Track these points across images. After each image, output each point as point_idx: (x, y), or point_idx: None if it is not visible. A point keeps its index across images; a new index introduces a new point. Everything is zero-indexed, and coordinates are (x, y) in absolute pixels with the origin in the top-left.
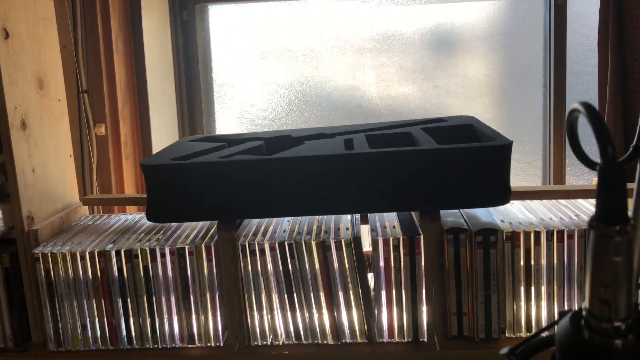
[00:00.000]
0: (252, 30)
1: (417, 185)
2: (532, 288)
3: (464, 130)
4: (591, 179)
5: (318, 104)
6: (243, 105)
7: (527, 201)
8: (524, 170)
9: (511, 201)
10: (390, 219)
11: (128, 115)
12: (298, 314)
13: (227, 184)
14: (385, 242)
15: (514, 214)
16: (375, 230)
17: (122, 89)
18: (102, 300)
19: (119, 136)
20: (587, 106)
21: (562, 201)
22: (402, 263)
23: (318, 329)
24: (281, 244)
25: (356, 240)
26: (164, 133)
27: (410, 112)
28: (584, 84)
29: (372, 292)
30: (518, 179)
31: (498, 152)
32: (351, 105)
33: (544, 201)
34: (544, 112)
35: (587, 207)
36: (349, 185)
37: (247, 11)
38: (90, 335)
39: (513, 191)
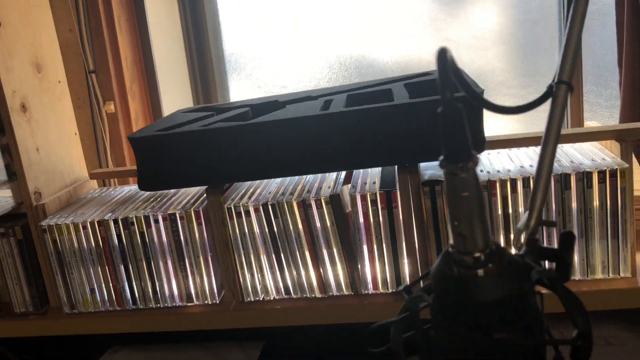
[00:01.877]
0: None
1: (388, 140)
2: (511, 235)
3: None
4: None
5: (329, 66)
6: (255, 73)
7: (514, 150)
8: (541, 119)
9: (498, 150)
10: (372, 176)
11: (137, 91)
12: (286, 271)
13: (207, 151)
14: (363, 198)
15: (496, 163)
16: (354, 187)
17: (129, 66)
18: (106, 266)
19: (129, 112)
20: (439, 52)
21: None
22: (380, 217)
23: (306, 284)
24: (264, 205)
25: (334, 198)
26: (179, 106)
27: (421, 68)
28: (601, 25)
29: (354, 247)
30: (534, 127)
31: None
32: (362, 65)
33: (533, 149)
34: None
35: (571, 152)
36: (321, 145)
37: None
38: (98, 298)
39: (499, 140)
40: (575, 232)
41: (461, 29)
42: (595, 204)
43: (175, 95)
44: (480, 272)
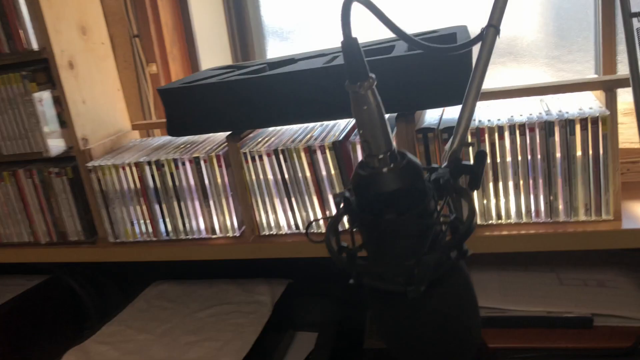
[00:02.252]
0: None
1: (385, 90)
2: (500, 183)
3: (447, 39)
4: None
5: (364, 34)
6: (292, 38)
7: (516, 99)
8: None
9: (499, 100)
10: None
11: (178, 54)
12: (296, 210)
13: (222, 100)
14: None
15: (489, 113)
16: (356, 135)
17: (170, 31)
18: (143, 202)
19: (170, 73)
20: None
21: (547, 98)
22: None
23: (314, 222)
24: (275, 150)
25: (336, 144)
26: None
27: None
28: None
29: None
30: None
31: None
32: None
33: (533, 98)
34: (595, 19)
35: (563, 103)
36: (323, 96)
37: None
38: (137, 229)
39: (497, 91)
40: (559, 176)
41: None
42: (577, 150)
43: (216, 58)
44: (385, 169)
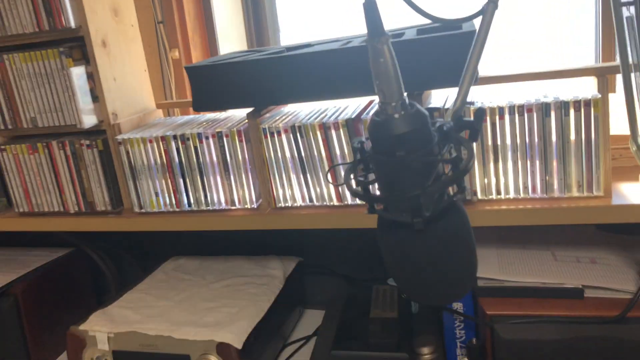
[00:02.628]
0: None
1: None
2: (500, 160)
3: (451, 26)
4: None
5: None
6: (306, 34)
7: (518, 87)
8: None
9: (505, 83)
10: None
11: (198, 41)
12: (310, 184)
13: (245, 78)
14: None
15: (490, 96)
16: (367, 113)
17: (192, 19)
18: (167, 174)
19: (191, 59)
20: None
21: (548, 87)
22: None
23: (326, 195)
24: (292, 127)
25: (349, 122)
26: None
27: None
28: None
29: None
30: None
31: (451, 40)
32: None
33: (536, 82)
34: (596, 15)
35: (561, 88)
36: (336, 76)
37: None
38: (161, 200)
39: (494, 77)
40: (554, 155)
41: None
42: (571, 129)
43: (233, 48)
44: (397, 115)
